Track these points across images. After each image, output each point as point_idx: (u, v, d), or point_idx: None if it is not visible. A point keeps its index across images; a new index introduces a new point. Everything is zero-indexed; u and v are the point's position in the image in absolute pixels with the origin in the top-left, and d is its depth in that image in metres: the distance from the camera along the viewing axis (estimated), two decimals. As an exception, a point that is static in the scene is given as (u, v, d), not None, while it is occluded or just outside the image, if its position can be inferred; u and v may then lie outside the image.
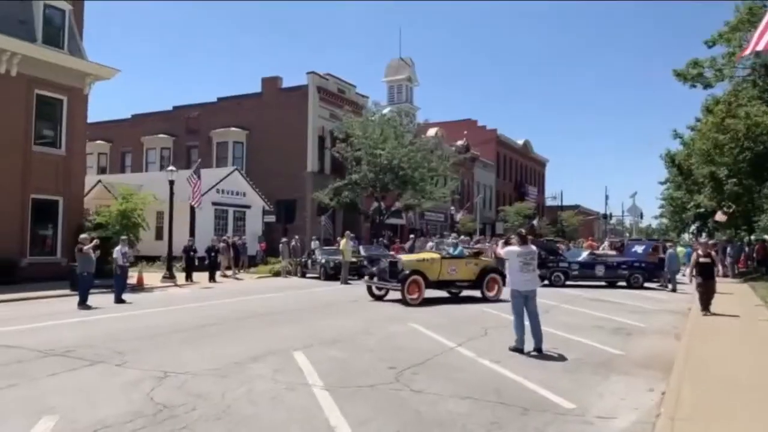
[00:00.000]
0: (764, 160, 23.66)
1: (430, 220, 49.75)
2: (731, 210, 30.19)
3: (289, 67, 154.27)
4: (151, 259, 27.13)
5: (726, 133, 23.74)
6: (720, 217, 28.26)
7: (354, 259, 22.59)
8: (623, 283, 20.47)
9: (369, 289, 15.75)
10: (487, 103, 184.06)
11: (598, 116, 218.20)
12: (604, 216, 76.90)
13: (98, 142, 41.79)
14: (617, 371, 7.60)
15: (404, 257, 16.05)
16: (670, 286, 19.86)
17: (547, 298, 16.22)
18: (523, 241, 8.77)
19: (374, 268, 16.04)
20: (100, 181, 29.39)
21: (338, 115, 33.98)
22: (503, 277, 14.08)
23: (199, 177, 21.82)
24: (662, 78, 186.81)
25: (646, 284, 20.40)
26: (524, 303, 8.62)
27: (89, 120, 24.29)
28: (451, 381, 6.75)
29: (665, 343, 9.92)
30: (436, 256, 15.54)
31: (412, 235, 28.18)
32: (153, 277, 21.41)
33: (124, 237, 16.29)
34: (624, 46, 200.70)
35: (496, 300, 15.07)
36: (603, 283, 20.83)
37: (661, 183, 40.21)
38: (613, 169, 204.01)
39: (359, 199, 35.21)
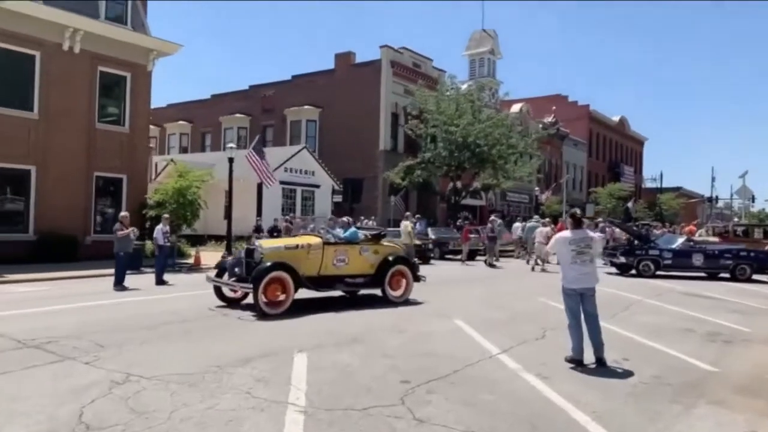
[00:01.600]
0: None
1: (512, 201, 47.26)
2: None
3: (364, 42, 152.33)
4: (220, 239, 27.05)
5: None
6: None
7: (419, 242, 21.10)
8: (726, 275, 17.74)
9: (217, 291, 10.70)
10: (579, 78, 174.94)
11: (705, 91, 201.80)
12: (709, 199, 70.64)
13: (180, 122, 42.74)
14: (706, 398, 5.73)
15: (265, 242, 11.02)
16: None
17: (630, 290, 14.14)
18: (576, 224, 6.96)
19: (229, 259, 11.18)
20: (172, 159, 29.48)
21: (413, 90, 32.37)
22: (414, 269, 11.62)
23: (260, 155, 20.99)
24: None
25: (756, 277, 17.59)
26: (580, 303, 6.85)
27: (171, 101, 24.35)
28: (472, 406, 5.19)
29: (776, 357, 7.79)
30: (315, 240, 10.72)
31: (493, 216, 26.28)
32: (216, 257, 20.99)
33: (166, 215, 15.70)
34: (737, 12, 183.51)
35: (407, 302, 11.17)
36: (702, 275, 18.18)
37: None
38: (721, 148, 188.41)
39: (435, 179, 33.58)
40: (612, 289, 14.48)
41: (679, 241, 18.18)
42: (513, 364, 6.72)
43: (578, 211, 7.07)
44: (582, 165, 59.06)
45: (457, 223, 29.43)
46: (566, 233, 6.95)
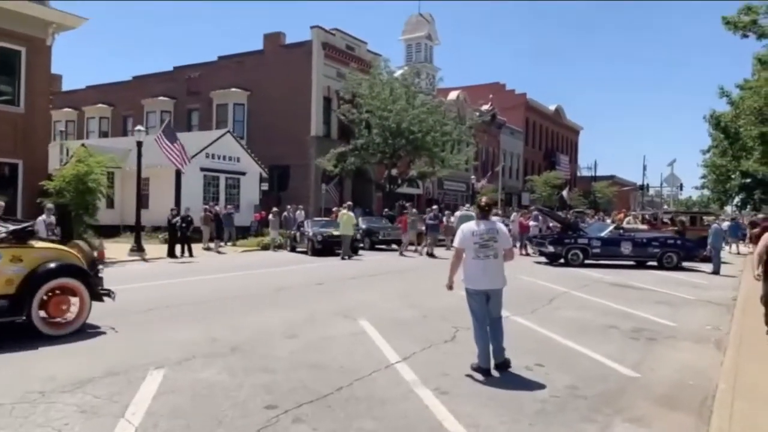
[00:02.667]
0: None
1: (449, 189, 46.88)
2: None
3: (296, 22, 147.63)
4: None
5: (783, 88, 20.21)
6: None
7: (347, 233, 20.07)
8: (654, 263, 17.54)
9: None
10: (516, 66, 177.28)
11: (638, 81, 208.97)
12: (641, 187, 72.72)
13: (99, 105, 40.13)
14: (624, 414, 4.94)
15: None
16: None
17: (557, 281, 13.55)
18: (483, 213, 6.05)
19: None
20: (83, 144, 27.27)
21: (346, 74, 31.15)
22: (90, 285, 7.49)
23: (170, 138, 19.36)
24: (710, 35, 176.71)
25: (684, 264, 17.48)
26: (486, 304, 5.96)
27: (90, 83, 22.27)
28: (344, 438, 4.19)
29: (702, 356, 7.16)
30: None
31: (435, 206, 25.58)
32: (125, 249, 19.33)
33: (49, 205, 14.06)
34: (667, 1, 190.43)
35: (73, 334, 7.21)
36: (631, 263, 17.93)
37: (704, 152, 36.37)
38: (653, 138, 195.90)
39: (371, 167, 32.57)
40: (538, 280, 13.91)
41: (608, 230, 17.84)
42: (411, 375, 5.77)
43: (484, 199, 6.12)
44: (519, 153, 59.38)
45: (384, 212, 28.59)
46: (470, 224, 6.02)
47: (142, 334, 7.39)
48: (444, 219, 23.16)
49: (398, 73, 32.01)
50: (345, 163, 29.67)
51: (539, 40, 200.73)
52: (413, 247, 21.33)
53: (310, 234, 19.97)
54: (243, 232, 26.12)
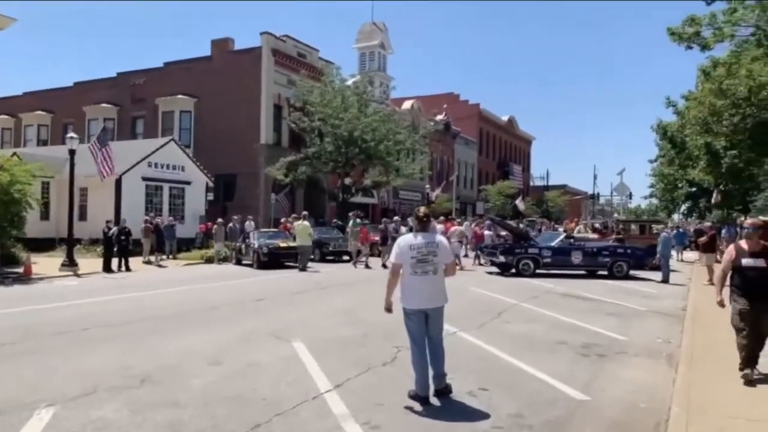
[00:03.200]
0: (768, 129, 20.53)
1: (405, 199, 46.53)
2: (726, 187, 27.26)
3: (247, 29, 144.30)
4: (76, 242, 23.93)
5: (725, 98, 20.57)
6: (715, 197, 25.31)
7: (294, 244, 19.37)
8: (605, 272, 17.44)
9: None
10: (470, 77, 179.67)
11: (588, 92, 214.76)
12: (591, 196, 74.24)
13: (38, 112, 38.30)
14: (572, 447, 4.46)
15: None
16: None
17: (507, 293, 13.18)
18: (421, 225, 5.53)
19: None
20: (15, 153, 25.77)
21: (297, 81, 30.46)
22: None
23: (103, 145, 18.33)
24: (657, 49, 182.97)
25: (632, 272, 17.43)
26: (425, 325, 5.43)
27: (28, 89, 20.89)
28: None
29: (653, 374, 6.80)
30: None
31: (396, 217, 25.17)
32: (56, 264, 18.16)
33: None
34: (617, 12, 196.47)
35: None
36: (582, 272, 17.79)
37: (652, 161, 37.19)
38: (603, 148, 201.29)
39: (324, 176, 31.90)
40: (489, 291, 13.53)
41: (559, 239, 17.67)
42: (340, 407, 5.17)
43: (422, 209, 5.59)
44: (473, 163, 59.68)
45: (334, 222, 27.97)
46: (408, 237, 5.49)
47: (45, 363, 6.58)
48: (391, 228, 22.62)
49: (350, 81, 31.52)
50: (296, 172, 28.92)
51: (492, 51, 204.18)
52: (363, 258, 20.70)
53: (256, 246, 19.17)
54: (188, 244, 25.05)
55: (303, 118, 28.83)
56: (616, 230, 21.15)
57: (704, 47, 23.95)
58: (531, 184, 73.81)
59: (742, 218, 34.71)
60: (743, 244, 6.33)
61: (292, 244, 19.32)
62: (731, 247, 6.58)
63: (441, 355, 5.51)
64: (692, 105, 24.10)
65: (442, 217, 30.07)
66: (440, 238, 5.49)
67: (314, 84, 29.46)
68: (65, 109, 37.00)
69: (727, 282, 6.65)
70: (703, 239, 17.58)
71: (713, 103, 21.40)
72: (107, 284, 14.99)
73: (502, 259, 17.17)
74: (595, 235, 21.90)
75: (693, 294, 13.70)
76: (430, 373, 5.41)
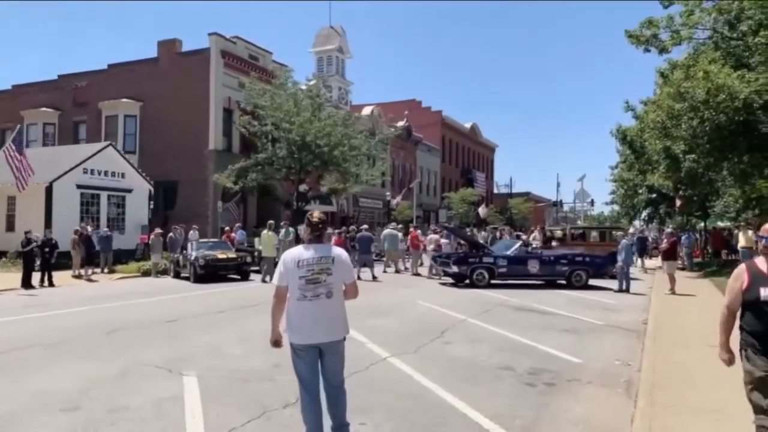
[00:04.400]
0: (727, 133, 20.00)
1: (365, 207, 45.40)
2: (686, 193, 26.81)
3: (197, 30, 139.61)
4: (2, 254, 22.15)
5: (683, 102, 20.02)
6: (678, 203, 24.81)
7: (233, 255, 18.01)
8: (563, 282, 16.55)
9: None
10: (433, 83, 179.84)
11: (549, 98, 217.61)
12: (554, 203, 74.27)
13: (-29, 116, 35.92)
14: None
15: None
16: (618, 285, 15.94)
17: (457, 306, 12.09)
18: (314, 234, 4.30)
19: None
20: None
21: (246, 84, 29.06)
22: None
23: (18, 151, 16.70)
24: (618, 53, 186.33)
25: (592, 282, 16.58)
26: (319, 364, 4.26)
27: None
28: None
29: (609, 408, 5.74)
30: None
31: (355, 227, 24.04)
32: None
33: None
34: (578, 17, 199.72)
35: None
36: (540, 282, 16.86)
37: (613, 167, 36.79)
38: (567, 155, 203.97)
39: (278, 183, 30.51)
40: (436, 305, 12.42)
41: (514, 247, 16.70)
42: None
43: (316, 214, 4.39)
44: (436, 170, 58.96)
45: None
46: (295, 251, 4.29)
47: None
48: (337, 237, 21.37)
49: (304, 84, 30.28)
50: (246, 179, 27.48)
51: (455, 58, 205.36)
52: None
53: (192, 258, 17.73)
54: (128, 256, 23.42)
55: (253, 122, 27.47)
56: (549, 238, 20.34)
57: (662, 50, 23.53)
58: (495, 191, 73.55)
59: (704, 224, 34.56)
60: (761, 263, 3.89)
61: (231, 255, 17.96)
62: (742, 269, 4.01)
63: (342, 403, 4.33)
64: (651, 109, 23.60)
65: (394, 224, 29.14)
66: (338, 252, 4.29)
67: (265, 87, 28.13)
68: (2, 113, 34.79)
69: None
70: (663, 246, 16.83)
71: (671, 106, 20.85)
72: (18, 303, 13.40)
73: (455, 269, 16.11)
74: (554, 243, 21.05)
75: (654, 305, 12.85)
76: (328, 423, 4.24)
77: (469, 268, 15.95)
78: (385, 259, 22.45)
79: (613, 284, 16.25)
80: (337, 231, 21.26)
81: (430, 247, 20.76)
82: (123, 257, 22.80)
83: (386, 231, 23.01)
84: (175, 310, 11.86)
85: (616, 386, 6.56)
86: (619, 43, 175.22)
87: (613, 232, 23.02)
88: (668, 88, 21.77)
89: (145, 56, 32.26)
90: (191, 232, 24.00)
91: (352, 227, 27.02)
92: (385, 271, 21.33)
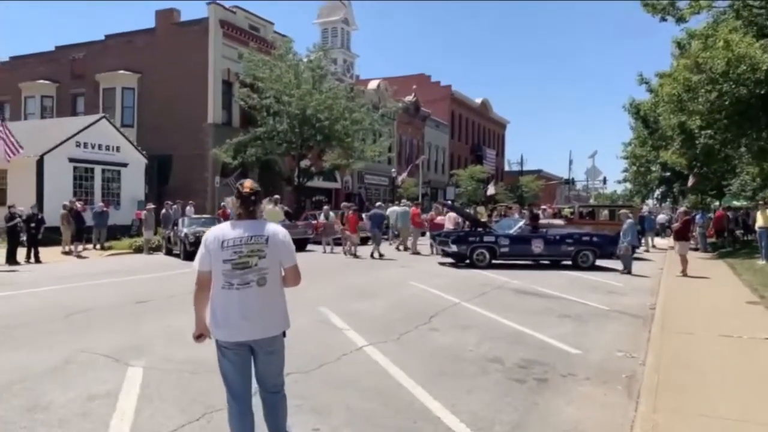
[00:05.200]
0: (747, 107, 18.90)
1: (371, 183, 44.62)
2: (701, 170, 25.76)
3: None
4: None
5: (701, 74, 18.93)
6: (691, 181, 23.78)
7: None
8: (568, 262, 15.75)
9: None
10: (442, 58, 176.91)
11: (563, 74, 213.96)
12: (566, 181, 72.94)
13: (-30, 89, 35.34)
14: None
15: None
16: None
17: (452, 289, 11.35)
18: (246, 208, 3.52)
19: None
20: None
21: (245, 54, 28.14)
22: None
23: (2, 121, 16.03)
24: (633, 26, 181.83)
25: (600, 262, 15.76)
26: (251, 367, 3.53)
27: None
28: None
29: (606, 411, 5.00)
30: None
31: (379, 203, 23.37)
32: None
33: None
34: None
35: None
36: (546, 262, 16.08)
37: (626, 144, 35.59)
38: (580, 132, 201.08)
39: (280, 158, 29.74)
40: (431, 287, 11.67)
41: (518, 226, 15.86)
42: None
43: (247, 184, 3.60)
44: (444, 147, 57.86)
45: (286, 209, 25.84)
46: (219, 228, 3.54)
47: None
48: (322, 216, 20.65)
49: (305, 56, 29.27)
50: (245, 154, 26.73)
51: (465, 33, 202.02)
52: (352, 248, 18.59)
53: (182, 234, 17.09)
54: (124, 232, 22.90)
55: (252, 95, 26.64)
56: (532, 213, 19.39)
57: (679, 19, 22.30)
58: (506, 168, 72.30)
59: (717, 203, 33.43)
60: None
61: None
62: None
63: (280, 410, 3.61)
64: (666, 82, 22.46)
65: (406, 200, 28.37)
66: (274, 229, 3.51)
67: (263, 58, 27.21)
68: (0, 85, 34.20)
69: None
70: (676, 225, 15.92)
71: (688, 78, 19.77)
72: (-4, 280, 12.84)
73: (454, 248, 15.33)
74: (561, 221, 20.16)
75: (664, 288, 12.03)
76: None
77: (469, 247, 15.16)
78: (399, 237, 21.48)
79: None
80: (353, 207, 20.40)
81: (450, 225, 19.84)
82: (119, 233, 22.27)
83: (398, 208, 22.13)
84: (153, 289, 11.23)
85: (616, 383, 5.81)
86: (635, 12, 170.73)
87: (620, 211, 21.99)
88: (685, 60, 20.66)
89: (142, 27, 31.35)
90: (188, 208, 23.40)
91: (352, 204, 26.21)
92: (398, 249, 20.58)
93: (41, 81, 32.76)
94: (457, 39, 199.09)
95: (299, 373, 5.62)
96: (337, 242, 20.01)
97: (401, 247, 20.58)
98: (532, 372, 6.02)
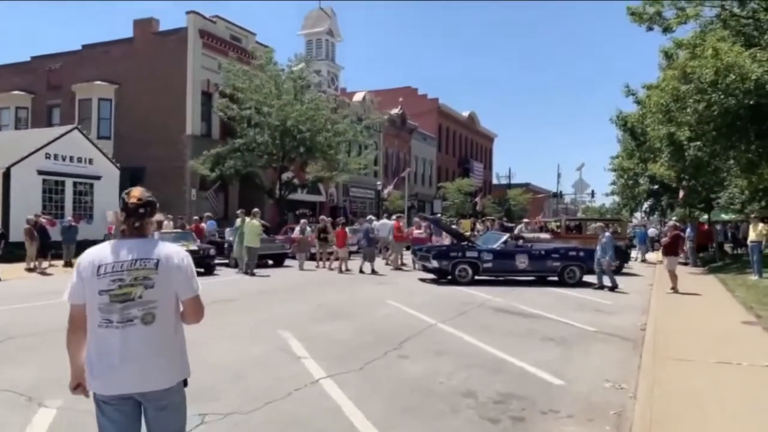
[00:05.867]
0: (735, 118, 18.42)
1: (356, 197, 43.92)
2: (689, 183, 25.25)
3: (177, 9, 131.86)
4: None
5: (689, 83, 18.48)
6: (682, 194, 23.27)
7: (195, 248, 16.57)
8: (555, 278, 15.09)
9: None
10: (429, 72, 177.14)
11: (550, 86, 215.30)
12: (554, 194, 72.65)
13: (-57, 100, 34.38)
14: None
15: None
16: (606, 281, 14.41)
17: (430, 308, 10.61)
18: (130, 222, 2.78)
19: None
20: None
21: (224, 64, 27.47)
22: None
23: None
24: (617, 33, 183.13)
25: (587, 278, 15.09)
26: (140, 425, 2.78)
27: None
28: None
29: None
30: None
31: (371, 216, 22.49)
32: None
33: None
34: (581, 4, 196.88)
35: None
36: (531, 278, 15.39)
37: (614, 158, 35.12)
38: (568, 146, 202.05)
39: (262, 171, 28.97)
40: (406, 306, 10.93)
41: (501, 240, 15.17)
42: None
43: (135, 192, 2.87)
44: (432, 160, 57.35)
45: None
46: (96, 249, 2.82)
47: None
48: (298, 230, 19.84)
49: (285, 66, 28.59)
50: (223, 167, 25.96)
51: (452, 46, 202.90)
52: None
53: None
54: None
55: (231, 106, 25.94)
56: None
57: (666, 29, 21.91)
58: (494, 181, 71.93)
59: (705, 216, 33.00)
60: None
61: (193, 247, 16.48)
62: None
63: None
64: (654, 93, 21.99)
65: (389, 215, 27.61)
66: (168, 251, 2.78)
67: (243, 67, 26.56)
68: (-26, 97, 33.28)
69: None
70: (665, 239, 15.28)
71: (676, 87, 19.33)
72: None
73: (435, 264, 14.60)
74: (547, 235, 19.55)
75: (655, 306, 11.38)
76: None
77: (450, 263, 14.45)
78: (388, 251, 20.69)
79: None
80: (341, 221, 19.73)
81: (447, 240, 19.16)
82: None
83: (389, 222, 21.41)
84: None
85: (603, 421, 5.10)
86: (621, 24, 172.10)
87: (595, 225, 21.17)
88: (672, 70, 20.24)
89: (120, 37, 30.59)
90: (165, 222, 22.55)
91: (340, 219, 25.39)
92: (388, 264, 19.81)
93: (16, 92, 31.88)
94: (444, 52, 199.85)
95: (239, 413, 4.88)
96: (314, 257, 19.32)
97: (389, 262, 19.85)
98: (508, 408, 5.30)
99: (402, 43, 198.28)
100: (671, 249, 14.58)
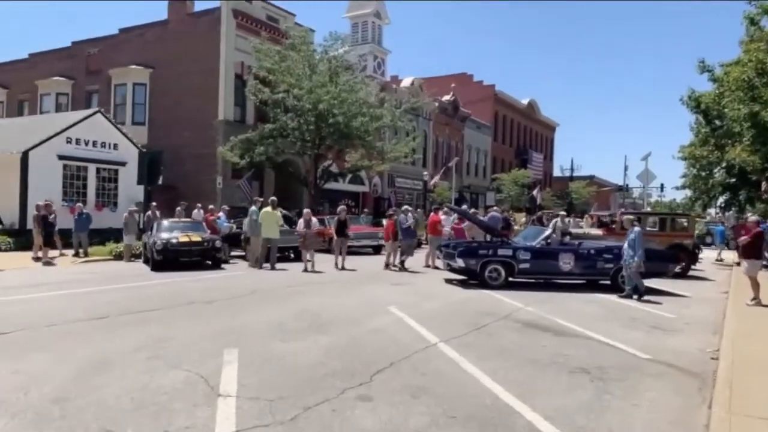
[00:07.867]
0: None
1: (402, 187, 41.87)
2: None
3: None
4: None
5: (779, 54, 15.57)
6: (764, 186, 20.10)
7: (199, 239, 15.08)
8: (607, 282, 12.68)
9: None
10: (487, 57, 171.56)
11: (621, 74, 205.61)
12: (620, 188, 68.24)
13: (-7, 87, 34.80)
14: None
15: None
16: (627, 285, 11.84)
17: (438, 319, 8.55)
18: None
19: None
20: None
21: (256, 45, 26.01)
22: None
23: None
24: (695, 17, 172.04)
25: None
26: None
27: None
28: None
29: None
30: None
31: (406, 206, 20.40)
32: None
33: None
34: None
35: None
36: (578, 282, 13.02)
37: (685, 147, 31.54)
38: (638, 136, 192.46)
39: (299, 158, 27.47)
40: (409, 316, 8.89)
41: (543, 236, 12.82)
42: None
43: None
44: (486, 149, 54.58)
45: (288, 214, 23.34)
46: None
47: None
48: (301, 224, 17.83)
49: (321, 45, 26.82)
50: (254, 153, 24.54)
51: (511, 30, 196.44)
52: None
53: (150, 241, 14.88)
54: (118, 235, 20.98)
55: (263, 89, 24.47)
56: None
57: (752, -3, 18.80)
58: (557, 173, 68.26)
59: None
60: None
61: (196, 238, 15.00)
62: None
63: None
64: (734, 69, 18.87)
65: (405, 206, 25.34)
66: None
67: (272, 47, 25.01)
68: (20, 83, 33.46)
69: None
70: (744, 239, 12.53)
71: (762, 60, 16.40)
72: None
73: (460, 263, 12.43)
74: (599, 231, 17.00)
75: (731, 323, 8.91)
76: None
77: (479, 262, 12.26)
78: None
79: (679, 288, 12.28)
80: (388, 214, 18.01)
81: (448, 228, 17.19)
82: (114, 236, 20.36)
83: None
84: (65, 310, 8.89)
85: None
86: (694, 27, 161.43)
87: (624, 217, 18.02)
88: (757, 43, 17.28)
89: (156, 19, 29.78)
90: (195, 210, 21.32)
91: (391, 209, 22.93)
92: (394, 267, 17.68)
93: (57, 78, 31.68)
94: (503, 39, 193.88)
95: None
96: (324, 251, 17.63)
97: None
98: None
99: (457, 29, 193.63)
100: (752, 250, 11.89)
